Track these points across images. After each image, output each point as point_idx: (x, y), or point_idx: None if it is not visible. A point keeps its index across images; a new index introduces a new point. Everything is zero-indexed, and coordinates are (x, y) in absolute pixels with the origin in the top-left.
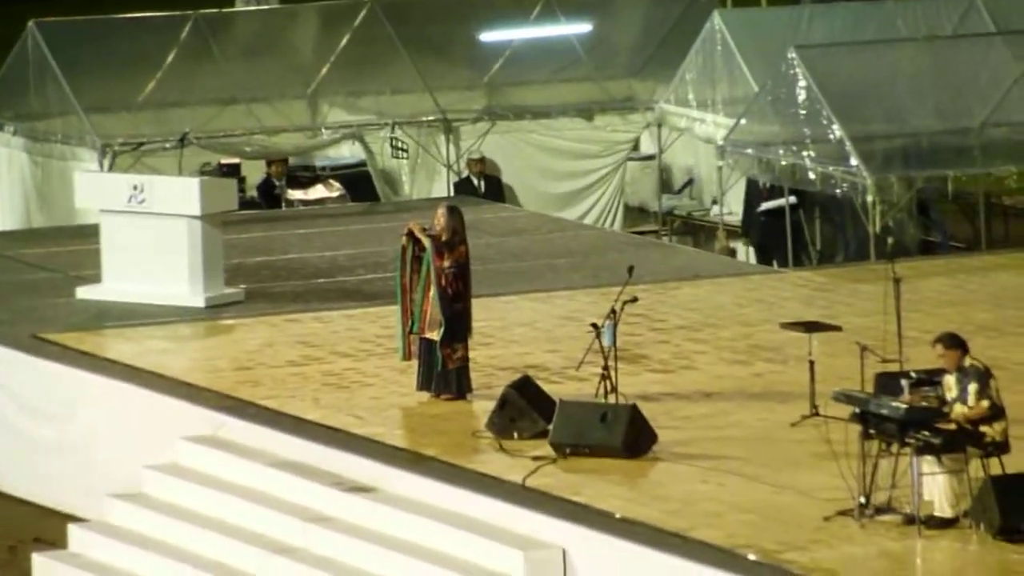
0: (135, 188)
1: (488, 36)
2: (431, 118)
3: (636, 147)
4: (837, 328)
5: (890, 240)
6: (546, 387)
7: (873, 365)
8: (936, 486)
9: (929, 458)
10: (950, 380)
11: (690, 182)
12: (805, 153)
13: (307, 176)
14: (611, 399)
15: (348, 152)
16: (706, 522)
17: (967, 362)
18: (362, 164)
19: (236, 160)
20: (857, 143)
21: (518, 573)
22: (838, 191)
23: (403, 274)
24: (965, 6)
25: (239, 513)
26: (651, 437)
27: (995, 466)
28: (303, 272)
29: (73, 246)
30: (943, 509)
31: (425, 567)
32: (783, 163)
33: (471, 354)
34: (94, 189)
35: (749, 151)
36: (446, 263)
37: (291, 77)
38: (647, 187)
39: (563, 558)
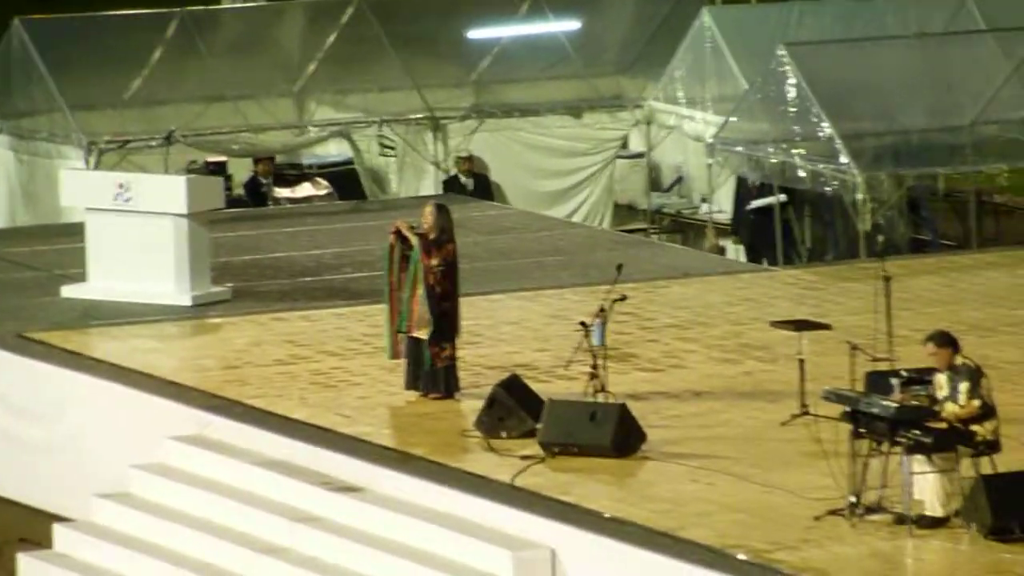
0: (121, 186)
1: (476, 33)
2: (419, 116)
3: (625, 145)
4: (827, 327)
5: (880, 238)
6: (535, 386)
7: (863, 364)
8: (927, 485)
9: (920, 457)
10: (941, 379)
11: (679, 180)
12: (795, 151)
13: (294, 174)
14: (600, 398)
15: (335, 150)
16: (696, 522)
17: (958, 361)
18: (349, 162)
19: (223, 158)
20: (847, 141)
21: (506, 573)
22: (828, 189)
23: (391, 272)
24: (956, 3)
25: (226, 513)
26: (640, 436)
27: (986, 465)
28: (290, 270)
29: (59, 244)
30: (934, 508)
31: (413, 567)
32: (773, 161)
33: (459, 353)
34: (80, 187)
35: (739, 149)
36: (434, 261)
37: (278, 75)
38: (636, 185)
39: (552, 558)
